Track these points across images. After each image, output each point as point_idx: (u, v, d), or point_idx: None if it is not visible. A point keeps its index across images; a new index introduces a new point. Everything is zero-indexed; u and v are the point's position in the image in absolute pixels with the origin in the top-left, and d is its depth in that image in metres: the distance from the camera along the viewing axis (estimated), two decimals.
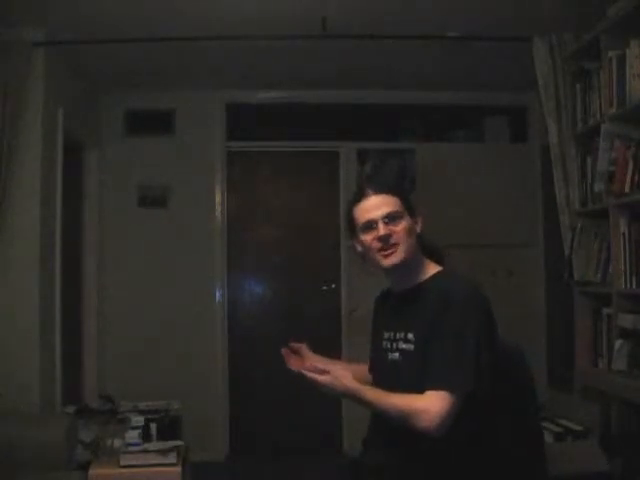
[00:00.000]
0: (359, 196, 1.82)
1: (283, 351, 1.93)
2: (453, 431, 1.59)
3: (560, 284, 3.54)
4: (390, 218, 1.75)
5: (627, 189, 2.71)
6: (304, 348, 1.99)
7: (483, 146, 4.71)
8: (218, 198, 4.57)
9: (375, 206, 1.77)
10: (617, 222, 2.81)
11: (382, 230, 1.74)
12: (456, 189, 4.54)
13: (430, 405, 1.58)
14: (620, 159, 2.76)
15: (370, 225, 1.76)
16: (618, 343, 2.78)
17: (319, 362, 1.94)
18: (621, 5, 2.79)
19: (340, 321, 4.58)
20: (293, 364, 1.95)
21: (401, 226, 1.75)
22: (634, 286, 2.70)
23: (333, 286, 4.63)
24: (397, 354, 1.76)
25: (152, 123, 4.57)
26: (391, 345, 1.80)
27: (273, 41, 3.49)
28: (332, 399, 4.43)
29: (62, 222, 3.62)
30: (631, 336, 2.72)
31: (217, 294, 4.52)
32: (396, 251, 1.74)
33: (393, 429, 1.68)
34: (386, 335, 1.83)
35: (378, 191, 1.79)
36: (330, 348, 4.64)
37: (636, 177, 2.68)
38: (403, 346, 1.75)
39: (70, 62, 3.74)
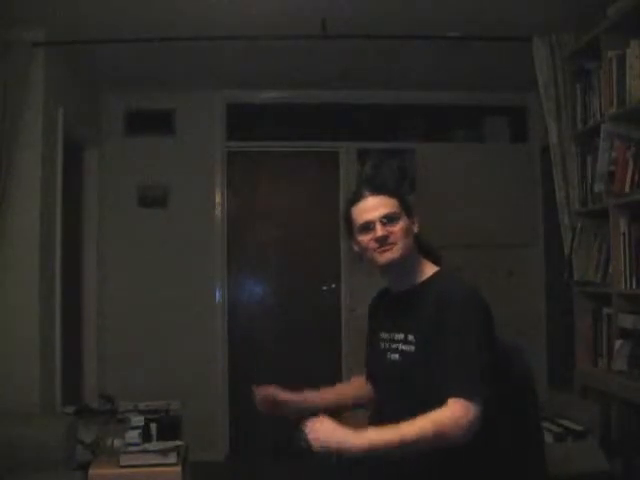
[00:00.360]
0: (356, 197, 1.82)
1: (256, 398, 1.94)
2: None
3: (560, 284, 3.53)
4: (387, 219, 1.76)
5: (627, 189, 2.72)
6: (273, 391, 1.99)
7: (483, 146, 4.71)
8: (218, 198, 4.56)
9: (372, 207, 1.77)
10: (617, 222, 2.81)
11: (380, 231, 1.75)
12: (456, 189, 4.54)
13: (458, 417, 1.55)
14: (620, 159, 2.76)
15: (368, 226, 1.77)
16: (618, 343, 2.78)
17: (295, 400, 1.96)
18: (621, 5, 2.79)
19: (340, 321, 4.57)
20: (267, 409, 1.97)
21: (398, 227, 1.76)
22: (634, 286, 2.70)
23: (333, 286, 4.63)
24: (397, 355, 1.76)
25: (152, 123, 4.57)
26: (390, 346, 1.80)
27: (273, 41, 3.48)
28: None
29: (62, 222, 3.62)
30: (631, 336, 2.72)
31: (217, 294, 4.52)
32: (392, 249, 1.75)
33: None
34: (384, 336, 1.83)
35: (375, 192, 1.80)
36: (330, 348, 4.66)
37: (636, 177, 2.68)
38: (403, 348, 1.75)
39: (70, 62, 3.73)
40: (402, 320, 1.78)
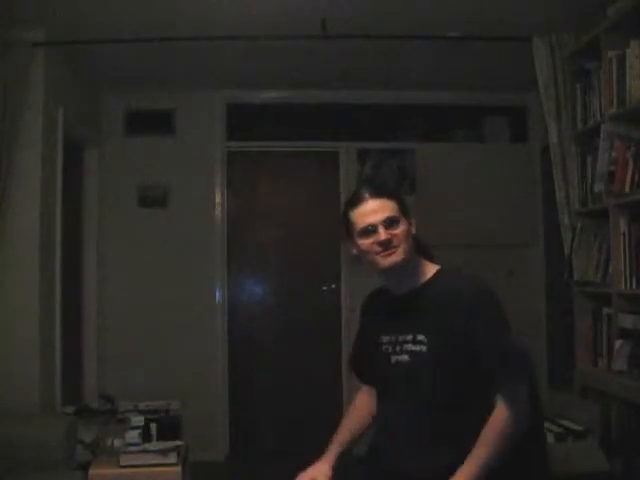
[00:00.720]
0: (356, 200, 1.81)
1: None
2: (462, 427, 1.64)
3: (560, 284, 3.53)
4: (389, 222, 1.76)
5: (627, 189, 2.72)
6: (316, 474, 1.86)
7: (483, 146, 4.71)
8: (218, 198, 4.56)
9: (373, 210, 1.76)
10: (617, 222, 2.81)
11: (383, 235, 1.74)
12: (456, 189, 4.54)
13: (513, 416, 1.64)
14: (620, 159, 2.76)
15: (370, 229, 1.76)
16: (618, 343, 2.78)
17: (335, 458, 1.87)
18: (621, 5, 2.79)
19: (340, 321, 4.57)
20: None
21: (400, 230, 1.76)
22: (634, 286, 2.70)
23: (333, 286, 4.63)
24: (405, 356, 1.76)
25: (152, 123, 4.57)
26: (394, 348, 1.79)
27: (273, 41, 3.48)
28: (332, 397, 4.45)
29: (62, 222, 3.62)
30: (631, 336, 2.72)
31: (217, 294, 4.52)
32: (396, 252, 1.75)
33: (421, 438, 1.71)
34: (386, 339, 1.82)
35: (375, 195, 1.79)
36: (330, 348, 4.65)
37: (636, 177, 2.68)
38: (412, 348, 1.75)
39: (70, 62, 3.73)
40: (408, 321, 1.78)
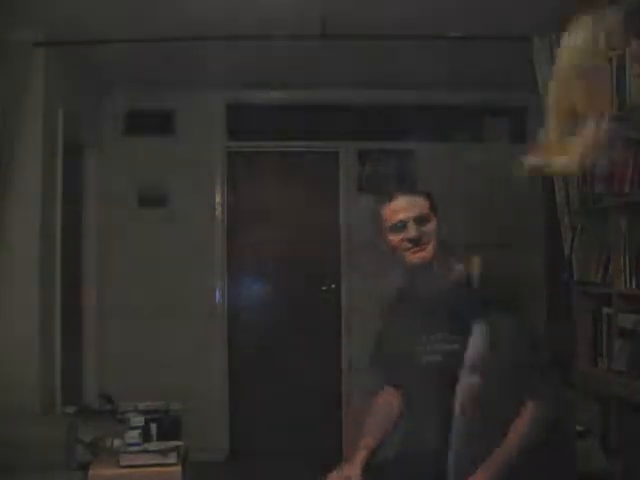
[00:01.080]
0: (388, 197, 1.84)
1: None
2: (494, 425, 1.66)
3: (560, 284, 3.53)
4: (420, 219, 1.79)
5: (627, 189, 2.72)
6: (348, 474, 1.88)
7: (483, 146, 4.71)
8: (218, 198, 4.57)
9: (404, 207, 1.80)
10: (617, 222, 2.81)
11: (413, 232, 1.77)
12: (456, 189, 4.54)
13: (540, 417, 1.67)
14: (620, 159, 2.76)
15: (400, 226, 1.79)
16: (618, 343, 2.78)
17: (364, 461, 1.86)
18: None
19: (340, 321, 4.57)
20: None
21: (430, 227, 1.80)
22: (634, 286, 2.70)
23: (333, 286, 4.63)
24: (437, 356, 1.77)
25: (152, 123, 4.57)
26: (425, 348, 1.79)
27: (273, 41, 3.48)
28: (332, 398, 4.45)
29: (62, 222, 3.62)
30: (631, 336, 2.72)
31: (217, 294, 4.52)
32: (425, 249, 1.78)
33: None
34: (416, 339, 1.82)
35: (406, 192, 1.83)
36: (330, 348, 4.64)
37: (636, 177, 2.68)
38: (445, 347, 1.75)
39: (70, 62, 3.73)
40: (439, 319, 1.78)
